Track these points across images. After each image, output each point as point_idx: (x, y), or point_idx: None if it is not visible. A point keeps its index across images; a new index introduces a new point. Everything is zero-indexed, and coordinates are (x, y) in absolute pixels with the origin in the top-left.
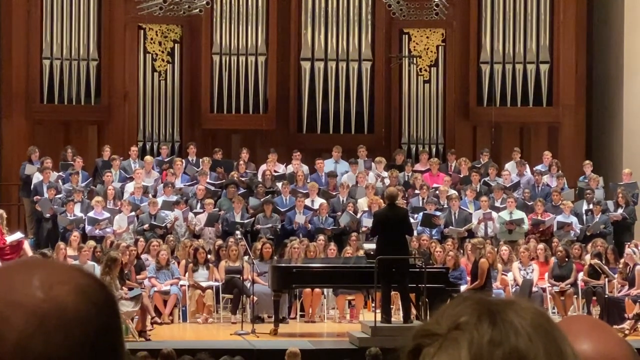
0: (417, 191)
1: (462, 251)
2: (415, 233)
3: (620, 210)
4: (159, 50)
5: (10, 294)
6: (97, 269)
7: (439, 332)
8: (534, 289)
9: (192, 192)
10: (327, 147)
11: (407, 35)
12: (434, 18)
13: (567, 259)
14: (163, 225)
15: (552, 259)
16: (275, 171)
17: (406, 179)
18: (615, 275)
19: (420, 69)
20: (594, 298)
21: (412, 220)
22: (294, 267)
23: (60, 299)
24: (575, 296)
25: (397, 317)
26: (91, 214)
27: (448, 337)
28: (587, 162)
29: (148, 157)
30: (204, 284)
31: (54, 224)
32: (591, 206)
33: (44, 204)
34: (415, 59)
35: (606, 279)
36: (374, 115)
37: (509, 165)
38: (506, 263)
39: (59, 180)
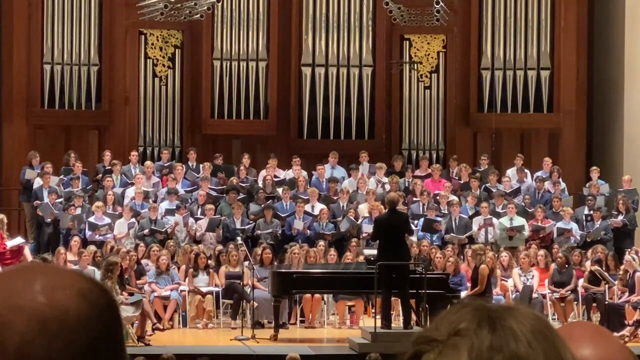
0: (416, 198)
1: (462, 257)
2: (415, 239)
3: (620, 217)
4: (160, 55)
5: (12, 299)
6: (97, 274)
7: (439, 338)
8: (534, 295)
9: (192, 197)
10: (328, 153)
11: (408, 41)
12: (434, 24)
13: (567, 265)
14: (163, 230)
15: (552, 265)
16: (275, 176)
17: (406, 185)
18: (616, 282)
19: (421, 75)
20: (594, 304)
21: (413, 227)
22: (294, 273)
23: (62, 303)
24: (576, 302)
25: (397, 322)
26: (92, 219)
27: (448, 343)
28: (594, 168)
29: (148, 162)
30: (204, 289)
31: (55, 228)
32: (591, 212)
33: (45, 208)
34: (416, 65)
35: (606, 286)
36: (375, 121)
37: (510, 172)
38: (506, 269)
39: (60, 185)
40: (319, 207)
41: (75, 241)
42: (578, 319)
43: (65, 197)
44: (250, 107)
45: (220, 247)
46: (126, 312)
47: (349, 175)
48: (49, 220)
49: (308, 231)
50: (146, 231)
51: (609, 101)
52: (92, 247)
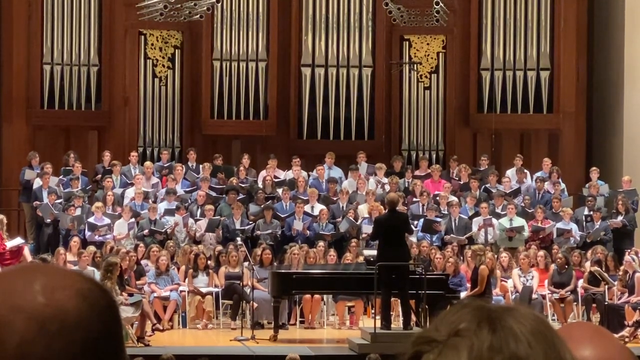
0: (416, 198)
1: (462, 258)
2: (415, 239)
3: (620, 218)
4: (160, 56)
5: (12, 299)
6: (97, 275)
7: (439, 338)
8: (534, 295)
9: (192, 197)
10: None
11: (407, 42)
12: (434, 24)
13: (567, 266)
14: (163, 230)
15: (552, 266)
16: (275, 177)
17: (406, 186)
18: (615, 283)
19: (421, 75)
20: (594, 305)
21: (412, 227)
22: (294, 273)
23: (61, 303)
24: (575, 303)
25: (397, 323)
26: (91, 219)
27: (448, 344)
28: (594, 168)
29: (148, 163)
30: (203, 290)
31: (55, 229)
32: (591, 212)
33: (44, 209)
34: (415, 65)
35: (606, 286)
36: (374, 121)
37: (510, 172)
38: (506, 270)
39: (60, 185)
40: (318, 208)
41: (75, 242)
42: (578, 320)
43: (64, 197)
44: (250, 108)
45: (220, 247)
46: (126, 312)
47: (346, 176)
48: (49, 220)
49: (308, 232)
50: (146, 231)
51: (608, 102)
52: (92, 248)
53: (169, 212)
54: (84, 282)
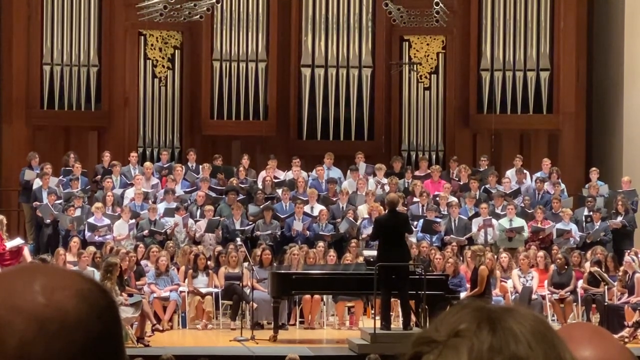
0: (416, 198)
1: (461, 258)
2: (415, 240)
3: (619, 218)
4: (160, 56)
5: (12, 299)
6: (97, 275)
7: (439, 339)
8: (534, 296)
9: (191, 198)
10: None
11: (407, 42)
12: (434, 25)
13: (566, 267)
14: (162, 231)
15: (552, 267)
16: (275, 177)
17: (406, 186)
18: (615, 283)
19: (421, 76)
20: (594, 306)
21: (412, 228)
22: (294, 274)
23: (61, 304)
24: (575, 304)
25: (397, 324)
26: (91, 220)
27: (448, 344)
28: (594, 169)
29: (147, 163)
30: (203, 290)
31: (54, 229)
32: (590, 213)
33: (44, 209)
34: (415, 66)
35: (606, 287)
36: (374, 122)
37: (509, 173)
38: (506, 270)
39: (59, 186)
40: (318, 208)
41: (75, 242)
42: (577, 320)
43: (64, 198)
44: (249, 108)
45: (219, 248)
46: (126, 313)
47: (346, 176)
48: (49, 221)
49: (307, 232)
50: (145, 232)
51: (608, 102)
52: (92, 248)
53: (168, 212)
54: (84, 282)
